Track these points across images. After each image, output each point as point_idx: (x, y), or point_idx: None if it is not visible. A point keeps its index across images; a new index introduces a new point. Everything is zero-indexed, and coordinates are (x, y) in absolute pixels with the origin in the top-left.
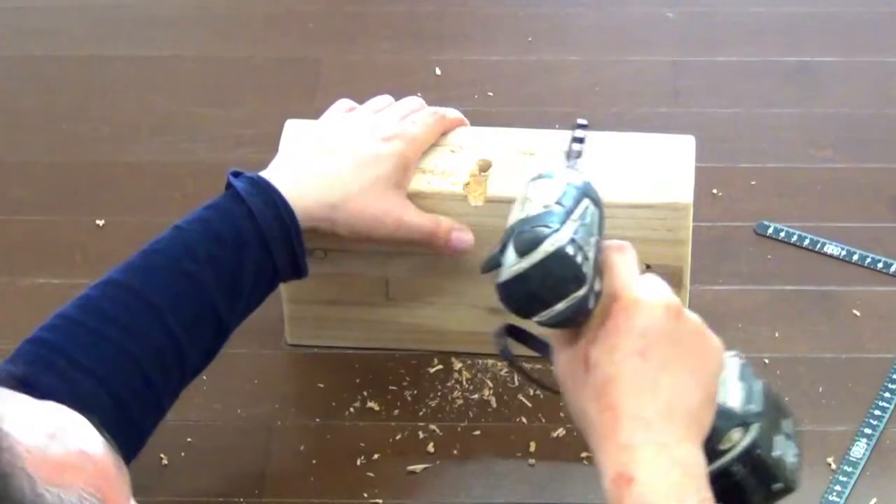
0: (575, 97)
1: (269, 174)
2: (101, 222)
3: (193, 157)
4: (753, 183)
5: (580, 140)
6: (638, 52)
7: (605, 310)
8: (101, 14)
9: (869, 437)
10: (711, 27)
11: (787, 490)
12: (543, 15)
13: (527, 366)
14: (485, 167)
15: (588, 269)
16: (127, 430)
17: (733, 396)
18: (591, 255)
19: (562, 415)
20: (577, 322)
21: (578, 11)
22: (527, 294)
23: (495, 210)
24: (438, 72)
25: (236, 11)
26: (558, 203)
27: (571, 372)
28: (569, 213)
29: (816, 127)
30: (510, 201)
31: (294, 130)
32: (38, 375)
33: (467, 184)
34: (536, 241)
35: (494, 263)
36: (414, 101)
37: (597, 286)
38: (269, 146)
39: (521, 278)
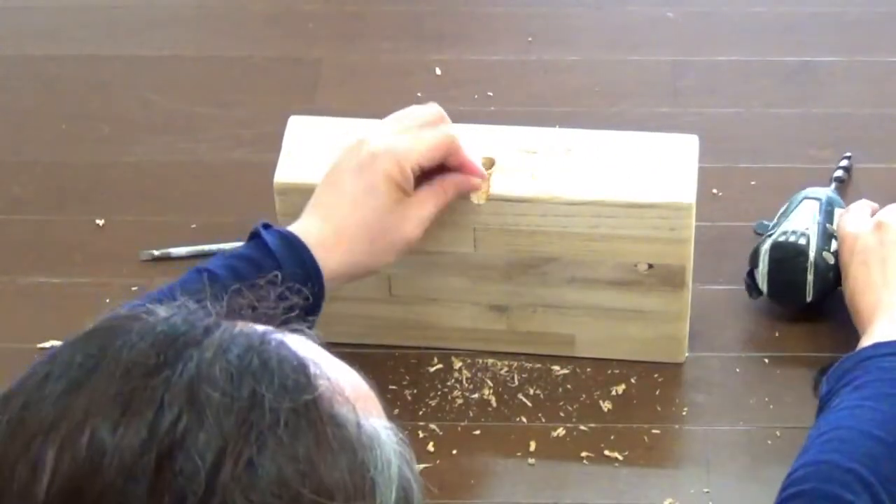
0: (575, 97)
1: (305, 233)
2: (101, 222)
3: (193, 157)
4: (753, 183)
5: (839, 178)
6: (638, 52)
7: None
8: (101, 14)
9: None
10: (711, 27)
11: None
12: (543, 15)
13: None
14: (487, 165)
15: (809, 241)
16: None
17: None
18: (812, 229)
19: (562, 414)
20: (834, 282)
21: (578, 11)
22: (782, 284)
23: (498, 208)
24: (438, 72)
25: (236, 11)
26: (776, 219)
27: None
28: (780, 220)
29: (816, 127)
30: (513, 199)
31: (297, 127)
32: None
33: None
34: (756, 252)
35: (753, 288)
36: (413, 110)
37: (832, 247)
38: (269, 146)
39: (771, 277)
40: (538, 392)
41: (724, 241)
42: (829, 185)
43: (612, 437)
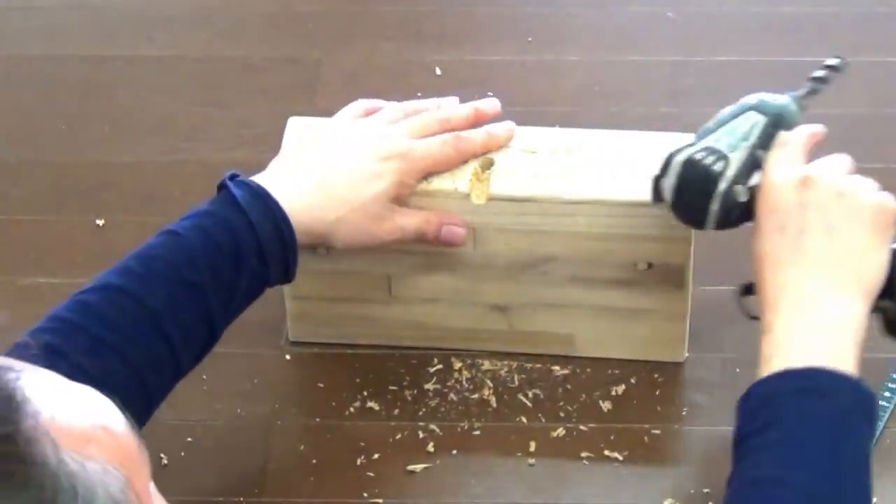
0: (575, 97)
1: (268, 183)
2: (101, 222)
3: (193, 157)
4: None
5: (818, 79)
6: (638, 52)
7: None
8: (101, 14)
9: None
10: (711, 27)
11: None
12: (543, 15)
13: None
14: (487, 165)
15: (726, 167)
16: None
17: None
18: (736, 155)
19: (562, 414)
20: (738, 219)
21: (578, 11)
22: (683, 205)
23: (498, 208)
24: (438, 72)
25: (236, 11)
26: (714, 123)
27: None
28: (717, 127)
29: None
30: (513, 199)
31: (297, 128)
32: None
33: (471, 181)
34: (670, 159)
35: (657, 195)
36: (437, 116)
37: (752, 181)
38: (269, 146)
39: (676, 193)
40: (538, 392)
41: (724, 242)
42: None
43: (612, 437)
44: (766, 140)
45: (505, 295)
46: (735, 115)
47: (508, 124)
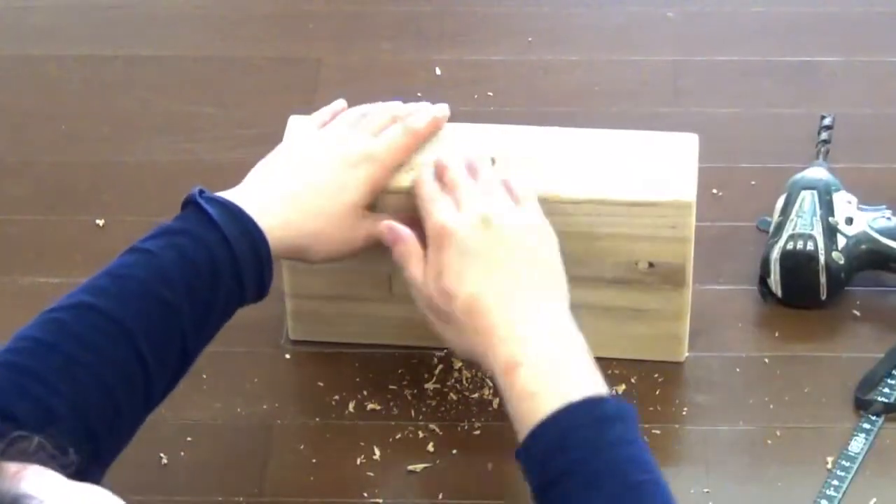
0: (575, 97)
1: (240, 199)
2: (101, 222)
3: (193, 157)
4: (753, 183)
5: (824, 141)
6: (638, 52)
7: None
8: (101, 14)
9: (867, 432)
10: (711, 27)
11: None
12: (543, 15)
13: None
14: None
15: (816, 243)
16: (95, 461)
17: None
18: (817, 229)
19: None
20: (846, 280)
21: (578, 11)
22: (796, 290)
23: None
24: (438, 72)
25: (236, 11)
26: (779, 215)
27: (435, 308)
28: (783, 216)
29: (816, 127)
30: None
31: (296, 127)
32: (14, 403)
33: None
34: (766, 260)
35: (767, 294)
36: (388, 111)
37: (839, 244)
38: (269, 146)
39: (784, 284)
40: None
41: (725, 241)
42: (815, 154)
43: None
44: (829, 208)
45: None
46: (793, 201)
47: (443, 107)
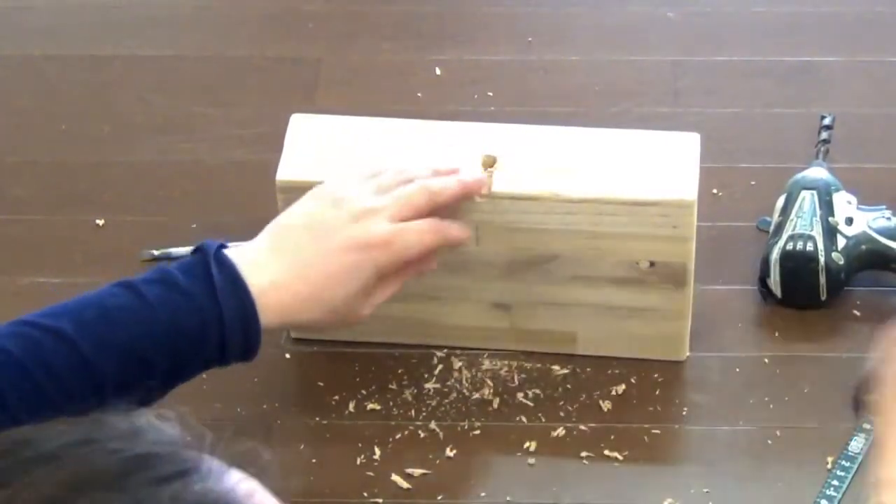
0: (575, 97)
1: (248, 268)
2: (101, 222)
3: (193, 157)
4: (753, 183)
5: (824, 140)
6: (638, 52)
7: None
8: (101, 14)
9: (868, 432)
10: (711, 27)
11: None
12: (543, 15)
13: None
14: (489, 163)
15: (816, 243)
16: None
17: None
18: (816, 230)
19: (562, 414)
20: (845, 280)
21: (578, 11)
22: (795, 291)
23: (500, 206)
24: (438, 72)
25: (236, 11)
26: (779, 215)
27: None
28: (782, 216)
29: (816, 127)
30: (515, 197)
31: (299, 126)
32: None
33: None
34: (766, 261)
35: (767, 295)
36: (420, 194)
37: (839, 245)
38: (269, 146)
39: (784, 285)
40: (538, 392)
41: (725, 241)
42: (815, 154)
43: (612, 437)
44: (829, 208)
45: (507, 293)
46: (793, 201)
47: (482, 177)
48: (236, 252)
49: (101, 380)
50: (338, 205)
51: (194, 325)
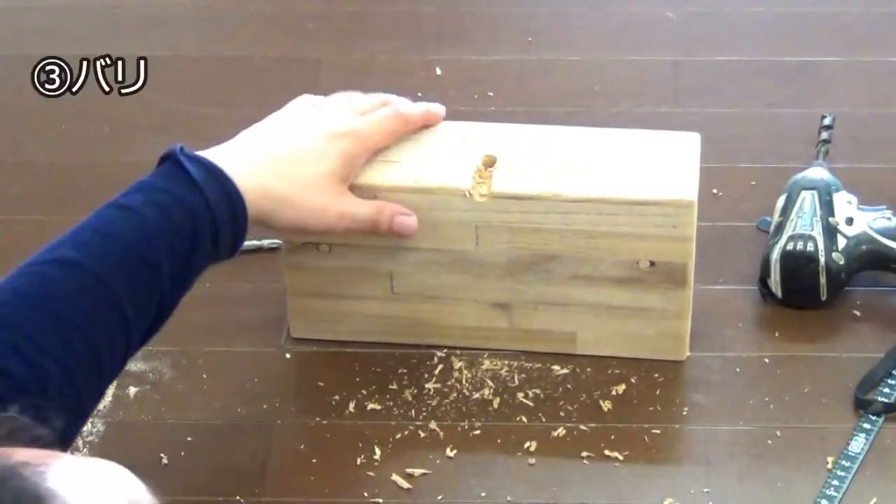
0: (575, 97)
1: (219, 158)
2: None
3: None
4: (753, 183)
5: (824, 140)
6: (638, 52)
7: None
8: (101, 14)
9: (868, 432)
10: (711, 27)
11: None
12: (543, 15)
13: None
14: (489, 163)
15: (816, 243)
16: (78, 420)
17: None
18: (817, 230)
19: (562, 414)
20: (845, 280)
21: (578, 11)
22: (796, 291)
23: (500, 205)
24: (438, 72)
25: (236, 11)
26: (779, 215)
27: None
28: (783, 217)
29: (816, 127)
30: (515, 197)
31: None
32: (9, 362)
33: (473, 178)
34: (767, 261)
35: (767, 295)
36: (379, 98)
37: (839, 245)
38: None
39: (784, 285)
40: (538, 392)
41: (725, 241)
42: (815, 154)
43: (612, 437)
44: (829, 208)
45: (507, 293)
46: (793, 201)
47: (439, 105)
48: (206, 151)
49: (115, 295)
50: (307, 112)
51: (184, 217)
